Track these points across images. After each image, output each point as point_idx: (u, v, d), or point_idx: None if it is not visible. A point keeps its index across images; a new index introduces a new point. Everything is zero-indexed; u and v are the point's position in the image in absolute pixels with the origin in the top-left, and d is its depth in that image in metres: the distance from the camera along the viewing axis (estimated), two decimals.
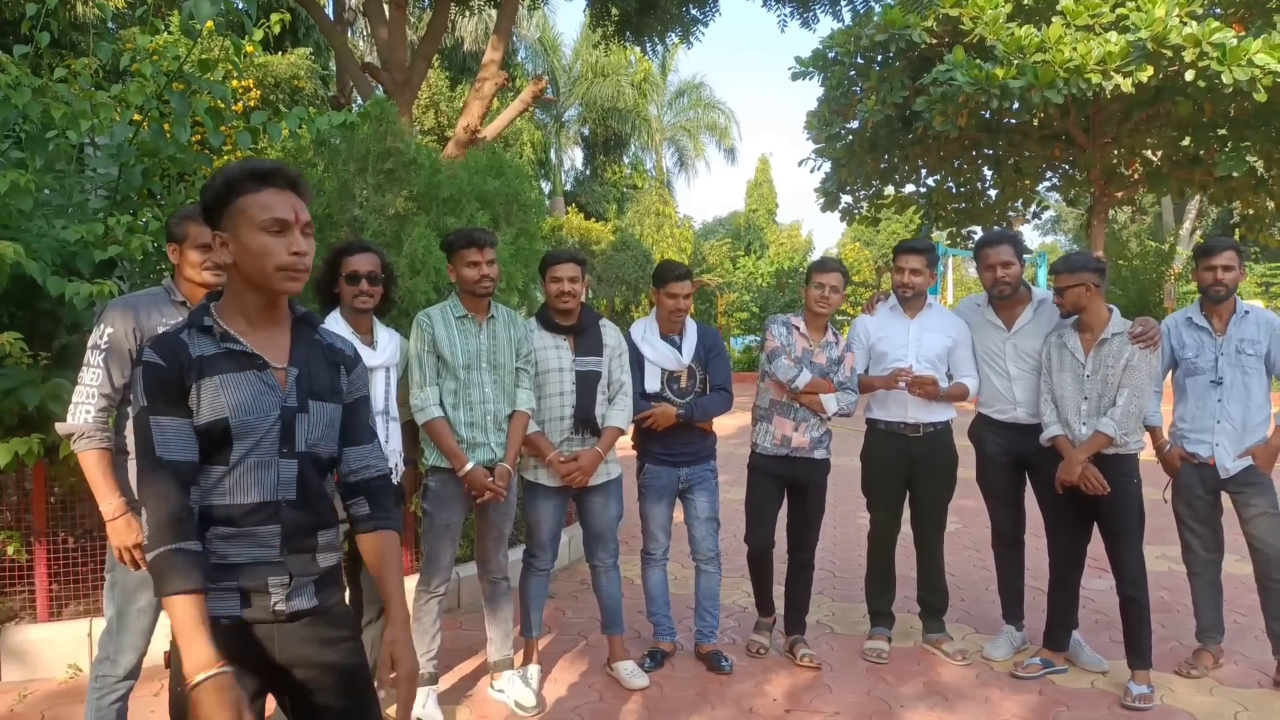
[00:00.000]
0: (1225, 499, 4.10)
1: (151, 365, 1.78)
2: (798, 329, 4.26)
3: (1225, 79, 10.97)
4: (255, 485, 1.83)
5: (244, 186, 1.82)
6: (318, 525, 1.92)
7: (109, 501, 2.73)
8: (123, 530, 2.74)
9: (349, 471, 2.03)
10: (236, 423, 1.80)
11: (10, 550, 4.01)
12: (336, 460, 2.00)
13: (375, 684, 2.10)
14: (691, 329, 4.19)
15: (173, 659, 1.78)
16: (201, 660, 1.66)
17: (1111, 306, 3.95)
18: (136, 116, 4.36)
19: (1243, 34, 11.46)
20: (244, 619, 1.83)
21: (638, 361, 4.10)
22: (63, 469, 3.86)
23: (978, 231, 17.20)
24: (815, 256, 38.79)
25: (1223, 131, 13.26)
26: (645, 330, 4.18)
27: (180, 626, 1.69)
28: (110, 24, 13.73)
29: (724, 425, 4.27)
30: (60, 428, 2.77)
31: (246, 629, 1.84)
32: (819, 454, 4.25)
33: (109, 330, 2.76)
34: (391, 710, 3.61)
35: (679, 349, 4.12)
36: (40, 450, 3.69)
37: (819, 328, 4.28)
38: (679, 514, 4.25)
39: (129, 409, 2.83)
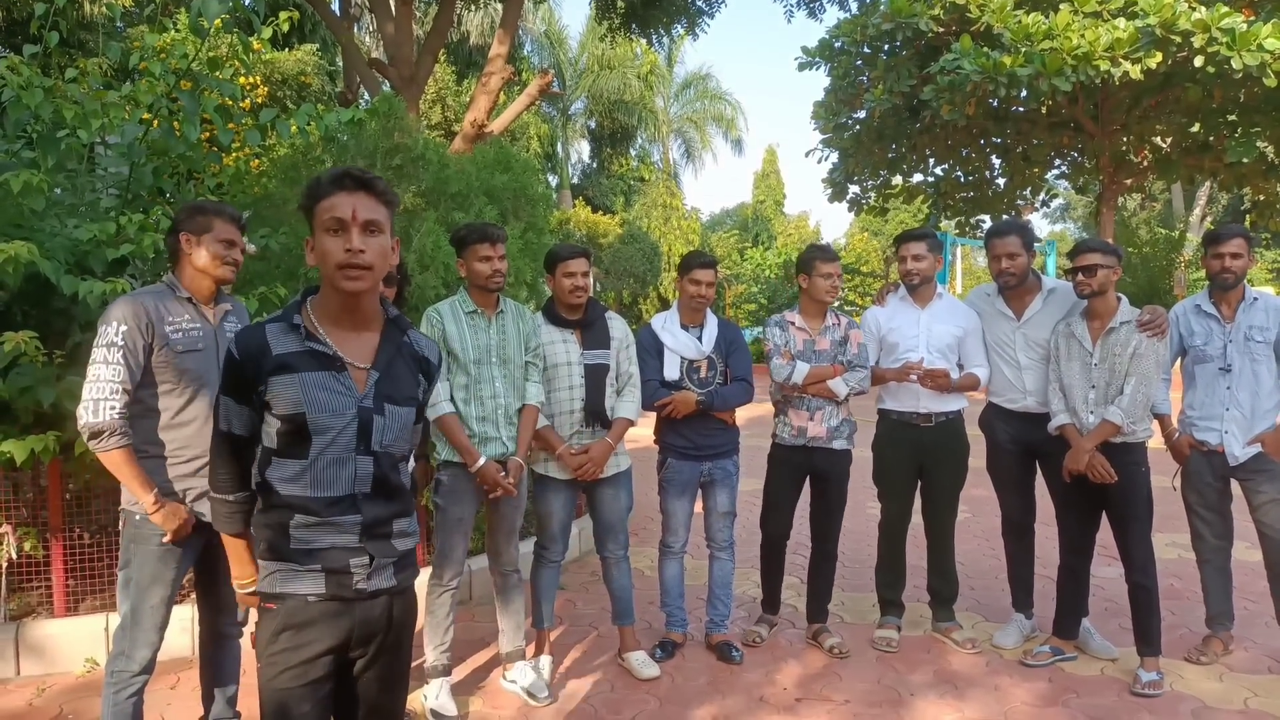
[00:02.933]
0: (1235, 486, 4.10)
1: (230, 355, 1.96)
2: (793, 324, 4.28)
3: (1235, 64, 10.91)
4: (334, 480, 1.96)
5: (321, 192, 1.93)
6: (395, 514, 2.05)
7: (145, 496, 2.74)
8: (169, 518, 2.79)
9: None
10: (312, 418, 1.92)
11: (27, 546, 4.05)
12: (409, 455, 2.14)
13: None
14: (712, 321, 4.21)
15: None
16: (247, 572, 2.16)
17: (1120, 295, 3.95)
18: (146, 115, 4.38)
19: (1252, 19, 11.40)
20: (329, 596, 1.97)
21: (657, 350, 4.12)
22: (78, 465, 3.90)
23: (986, 220, 17.14)
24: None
25: (1233, 117, 13.19)
26: (666, 320, 4.21)
27: (235, 553, 2.18)
28: (118, 23, 13.78)
29: (738, 416, 4.29)
30: (86, 425, 2.68)
31: (332, 604, 1.97)
32: (838, 444, 4.26)
33: (123, 327, 2.73)
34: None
35: (699, 339, 4.14)
36: (56, 447, 3.73)
37: (818, 315, 4.30)
38: (697, 505, 4.27)
39: (141, 409, 2.86)
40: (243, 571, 2.15)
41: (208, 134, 4.93)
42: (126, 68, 4.94)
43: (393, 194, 2.00)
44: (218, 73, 4.54)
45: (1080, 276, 3.88)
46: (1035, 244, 4.31)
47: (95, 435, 2.70)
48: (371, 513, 1.99)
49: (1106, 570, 5.02)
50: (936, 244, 4.39)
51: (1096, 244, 3.90)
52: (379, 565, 2.00)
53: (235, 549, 2.15)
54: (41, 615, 4.15)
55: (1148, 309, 3.87)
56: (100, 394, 2.69)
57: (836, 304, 4.49)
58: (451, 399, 3.58)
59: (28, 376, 3.72)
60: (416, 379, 2.09)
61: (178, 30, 5.61)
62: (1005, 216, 16.63)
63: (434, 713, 3.58)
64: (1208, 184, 22.94)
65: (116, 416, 2.70)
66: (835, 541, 4.39)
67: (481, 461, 3.53)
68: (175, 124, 4.43)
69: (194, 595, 3.31)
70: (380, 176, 1.97)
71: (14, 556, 4.03)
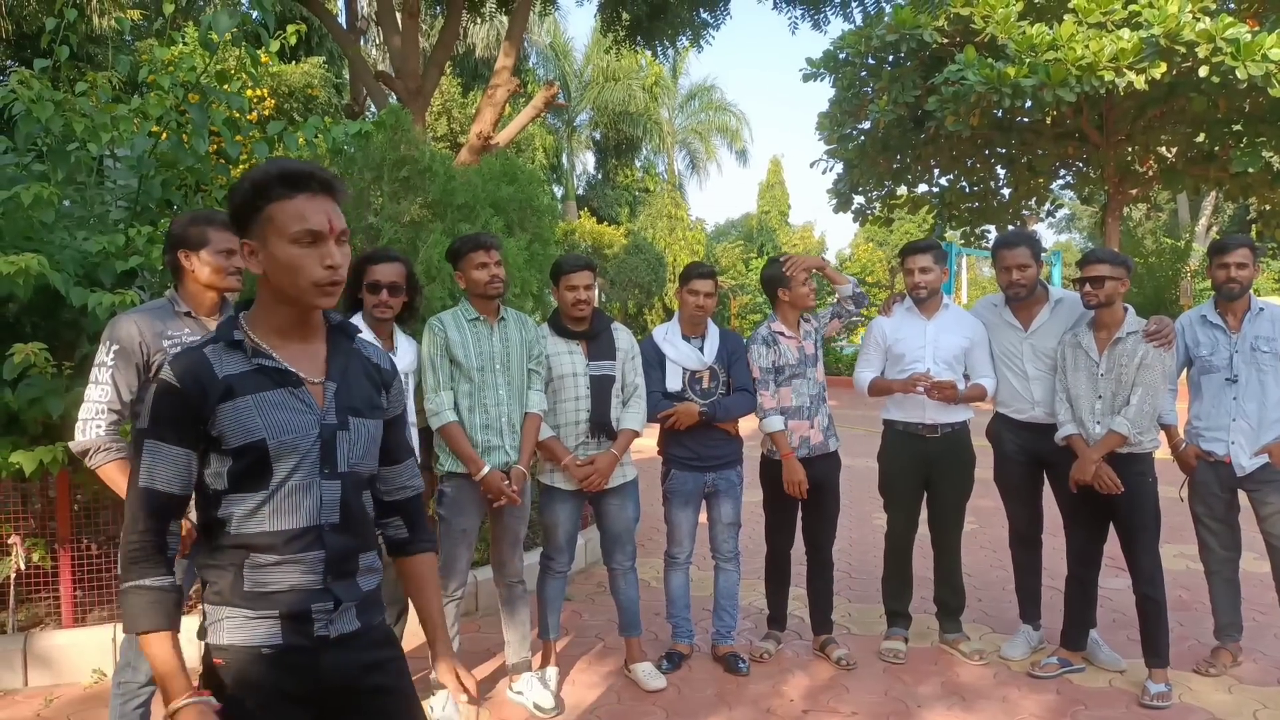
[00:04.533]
0: (1242, 497, 4.09)
1: (165, 386, 1.67)
2: (783, 334, 4.24)
3: (1239, 74, 10.92)
4: (297, 510, 1.71)
5: (274, 192, 1.66)
6: (360, 548, 1.82)
7: None
8: None
9: (386, 490, 1.95)
10: (274, 444, 1.68)
11: (35, 557, 4.06)
12: (375, 477, 1.91)
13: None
14: (714, 331, 4.22)
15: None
16: (178, 689, 1.64)
17: (1127, 306, 3.95)
18: (155, 128, 4.41)
19: (1257, 29, 11.41)
20: (286, 646, 1.72)
21: (659, 362, 4.12)
22: (86, 477, 3.91)
23: (991, 231, 17.16)
24: (829, 256, 38.64)
25: (1238, 127, 13.19)
26: (668, 331, 4.21)
27: (154, 663, 1.67)
28: (127, 36, 13.88)
29: (741, 427, 4.29)
30: (74, 445, 2.80)
31: (290, 655, 1.73)
32: (832, 444, 4.28)
33: (115, 346, 2.79)
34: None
35: (701, 350, 4.14)
36: (64, 458, 3.74)
37: (797, 321, 4.28)
38: (702, 516, 4.27)
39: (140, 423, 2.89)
40: (176, 686, 1.64)
41: (216, 146, 4.96)
42: (135, 81, 4.98)
43: (344, 188, 1.77)
44: (226, 86, 4.57)
45: (1088, 287, 3.88)
46: (1042, 254, 4.31)
47: (84, 454, 2.79)
48: (336, 546, 1.75)
49: (1114, 581, 5.01)
50: (942, 255, 4.39)
51: (1105, 255, 3.90)
52: (343, 609, 1.77)
53: (159, 654, 1.66)
54: (49, 626, 4.17)
55: (1154, 319, 3.87)
56: (88, 414, 2.78)
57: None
58: (455, 408, 3.60)
59: (37, 388, 3.74)
60: (376, 388, 1.87)
61: (186, 44, 5.66)
62: (1010, 227, 16.63)
63: None
64: (1213, 194, 22.91)
65: (103, 434, 2.77)
66: (830, 550, 4.38)
67: (486, 470, 3.54)
68: (184, 136, 4.47)
69: (200, 607, 3.31)
70: (334, 175, 1.75)
71: (22, 567, 4.04)
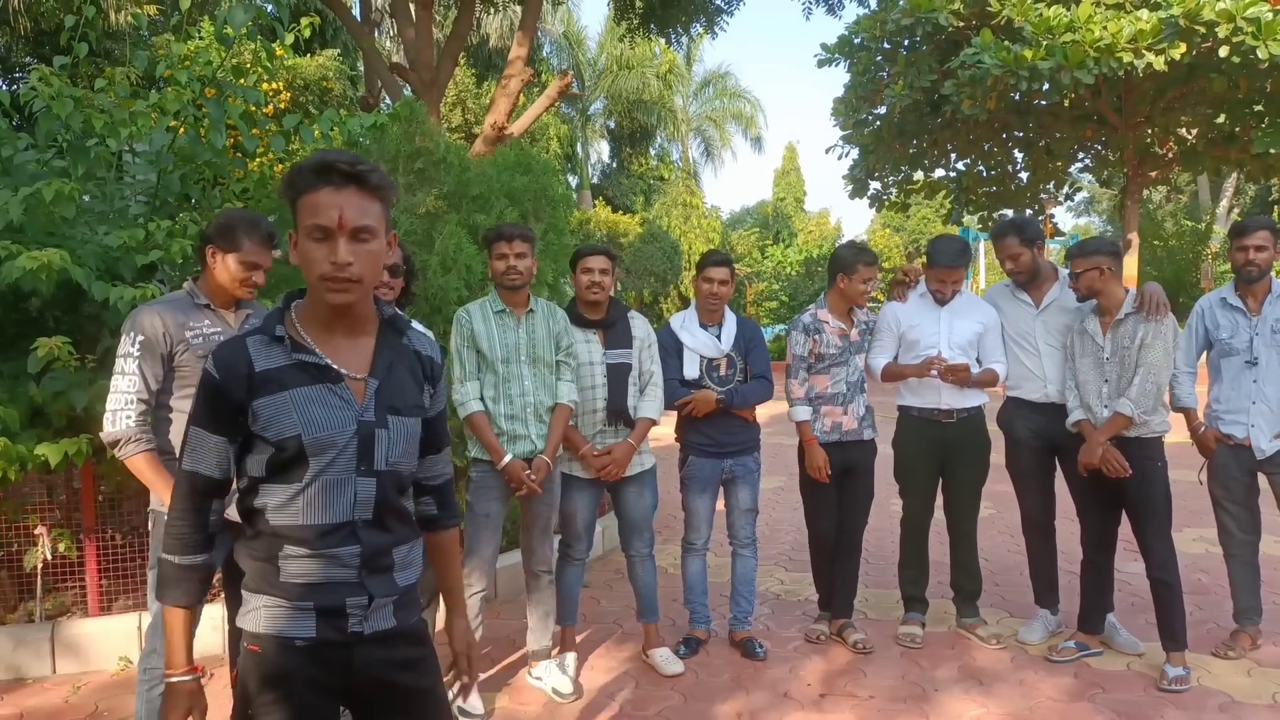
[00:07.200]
0: (1262, 480, 4.07)
1: (207, 376, 1.71)
2: (827, 324, 4.24)
3: (1261, 54, 10.78)
4: (331, 505, 1.72)
5: (304, 183, 1.66)
6: (396, 543, 1.82)
7: (170, 497, 2.81)
8: None
9: (421, 477, 1.94)
10: (309, 440, 1.69)
11: (61, 547, 4.12)
12: (414, 474, 1.90)
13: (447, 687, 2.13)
14: (731, 319, 4.23)
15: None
16: (177, 663, 1.75)
17: (1128, 288, 3.94)
18: (173, 123, 4.45)
19: (1278, 8, 11.25)
20: (319, 640, 1.73)
21: (677, 349, 4.14)
22: (110, 468, 3.97)
23: (1009, 215, 17.04)
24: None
25: (1259, 108, 13.02)
26: (685, 319, 4.23)
27: (168, 632, 1.77)
28: (144, 32, 13.97)
29: (759, 414, 4.30)
30: (104, 436, 2.82)
31: (323, 649, 1.74)
32: (868, 434, 4.29)
33: (140, 336, 2.81)
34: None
35: (718, 338, 4.16)
36: (89, 450, 3.79)
37: (847, 310, 4.29)
38: (720, 503, 4.29)
39: (165, 413, 2.92)
40: (177, 660, 1.74)
41: (233, 140, 4.99)
42: (153, 76, 5.02)
43: (387, 183, 1.72)
44: (242, 80, 4.61)
45: (1069, 283, 3.97)
46: (1059, 238, 4.29)
47: (114, 444, 2.81)
48: (372, 542, 1.75)
49: (1132, 565, 4.99)
50: (969, 257, 4.34)
51: (1074, 250, 3.94)
52: (378, 605, 1.77)
53: (173, 626, 1.75)
54: (76, 615, 4.23)
55: (1139, 291, 3.87)
56: (116, 405, 2.80)
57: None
58: (481, 397, 3.63)
59: (61, 381, 3.79)
60: (420, 384, 1.86)
61: (202, 38, 5.70)
62: (1028, 211, 16.54)
63: (461, 710, 3.62)
64: (1234, 176, 22.67)
65: (133, 425, 2.79)
66: (859, 536, 4.39)
67: (507, 459, 3.57)
68: (201, 131, 4.51)
69: (223, 594, 3.36)
70: (375, 164, 1.72)
71: (49, 557, 4.10)
